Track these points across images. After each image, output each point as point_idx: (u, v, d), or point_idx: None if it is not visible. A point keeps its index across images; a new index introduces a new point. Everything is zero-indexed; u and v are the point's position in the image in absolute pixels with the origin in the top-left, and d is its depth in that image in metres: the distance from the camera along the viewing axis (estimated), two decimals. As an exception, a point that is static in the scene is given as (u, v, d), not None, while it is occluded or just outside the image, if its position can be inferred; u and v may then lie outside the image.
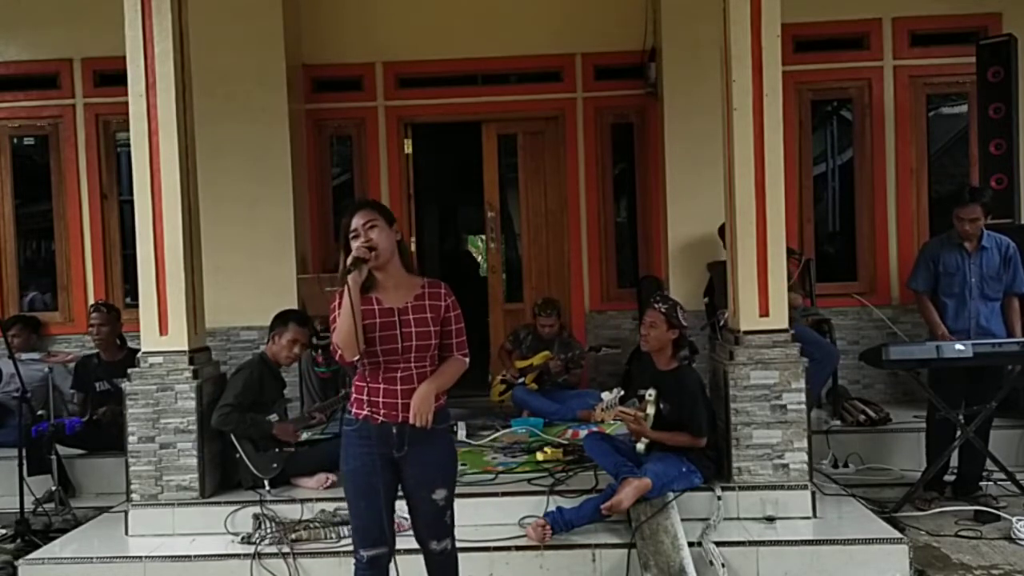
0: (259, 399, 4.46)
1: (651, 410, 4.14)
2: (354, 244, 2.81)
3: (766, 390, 4.17)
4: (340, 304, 2.74)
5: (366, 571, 2.88)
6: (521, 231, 7.31)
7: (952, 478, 4.78)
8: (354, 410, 2.86)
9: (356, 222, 2.83)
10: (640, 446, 4.18)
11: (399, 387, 2.81)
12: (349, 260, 2.76)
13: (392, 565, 2.90)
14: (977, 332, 4.70)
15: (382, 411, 2.80)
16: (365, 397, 2.82)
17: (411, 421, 2.76)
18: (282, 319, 4.64)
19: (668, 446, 4.12)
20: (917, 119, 6.53)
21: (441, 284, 2.94)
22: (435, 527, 2.93)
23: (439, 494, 2.89)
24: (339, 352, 2.77)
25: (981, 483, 4.72)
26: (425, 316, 2.84)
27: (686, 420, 4.11)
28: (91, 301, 6.52)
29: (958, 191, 4.99)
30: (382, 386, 2.81)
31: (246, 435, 4.37)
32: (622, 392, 4.27)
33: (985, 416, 4.55)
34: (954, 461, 4.72)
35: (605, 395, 4.27)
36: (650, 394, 4.16)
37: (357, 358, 2.76)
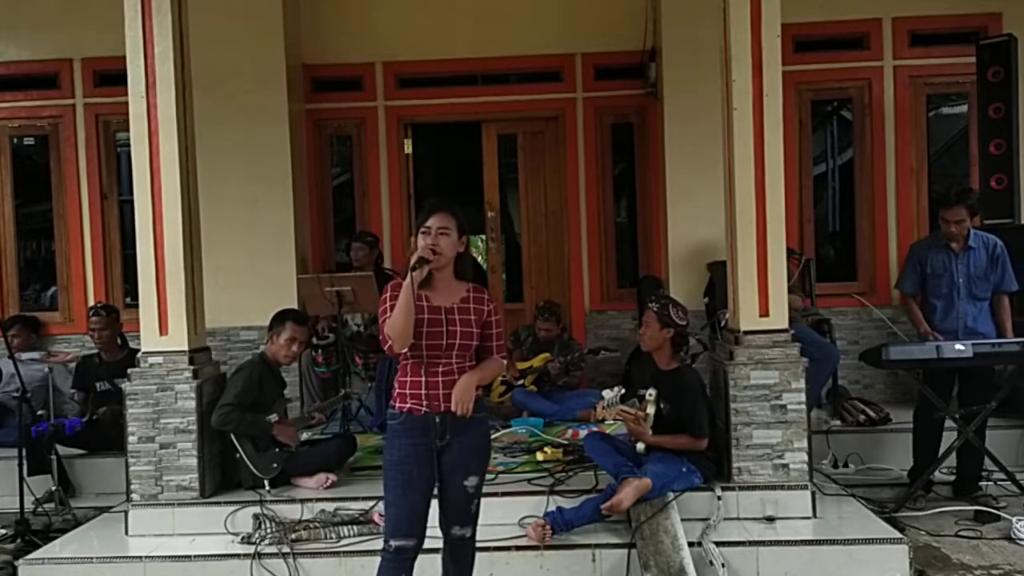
0: (259, 399, 4.46)
1: (651, 410, 4.14)
2: (421, 240, 2.95)
3: (766, 390, 4.17)
4: (393, 297, 2.89)
5: (392, 561, 2.96)
6: (521, 231, 7.32)
7: (948, 478, 4.79)
8: (397, 404, 2.99)
9: (432, 223, 2.96)
10: (640, 446, 4.18)
11: (440, 379, 2.95)
12: (413, 259, 2.90)
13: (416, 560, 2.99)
14: (965, 333, 4.69)
15: (425, 403, 2.93)
16: (408, 391, 2.97)
17: (453, 408, 2.91)
18: (280, 318, 4.64)
19: (668, 447, 4.12)
20: (917, 119, 6.54)
21: (484, 291, 3.11)
22: (462, 514, 3.05)
23: (471, 480, 3.03)
24: (389, 343, 2.88)
25: (981, 483, 4.72)
26: (469, 318, 3.00)
27: (686, 420, 4.11)
28: (91, 301, 6.54)
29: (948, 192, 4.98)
30: (425, 379, 2.94)
31: (246, 434, 4.37)
32: (623, 391, 4.27)
33: (984, 416, 4.56)
34: (951, 461, 4.72)
35: (606, 393, 4.27)
36: (650, 394, 4.16)
37: (405, 351, 2.89)
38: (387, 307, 2.92)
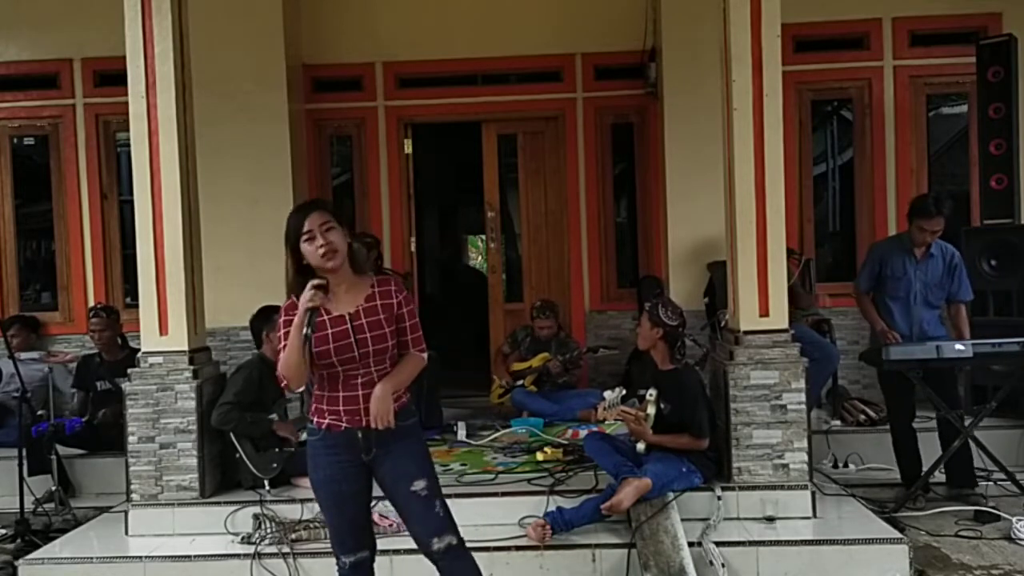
0: (259, 397, 4.46)
1: (651, 410, 4.14)
2: (306, 247, 2.70)
3: (766, 390, 4.17)
4: (287, 323, 2.68)
5: (350, 575, 2.87)
6: (521, 231, 7.31)
7: (940, 478, 4.79)
8: (315, 420, 2.77)
9: (311, 223, 2.70)
10: (640, 446, 4.18)
11: (360, 392, 2.72)
12: (302, 310, 2.60)
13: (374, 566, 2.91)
14: (920, 338, 4.72)
15: (344, 418, 2.72)
16: (325, 407, 2.75)
17: (372, 424, 2.68)
18: (265, 317, 4.62)
19: (669, 447, 4.12)
20: (917, 119, 6.53)
21: (391, 281, 2.85)
22: (426, 521, 2.78)
23: (418, 484, 2.76)
24: (284, 381, 2.68)
25: (977, 483, 4.72)
26: (378, 318, 2.73)
27: (687, 420, 4.11)
28: (91, 301, 6.54)
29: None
30: (342, 394, 2.72)
31: (246, 433, 4.37)
32: (624, 391, 4.27)
33: (984, 416, 4.57)
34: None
35: (607, 394, 4.27)
36: (650, 394, 4.16)
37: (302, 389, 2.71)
38: (281, 335, 2.70)
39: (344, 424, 2.72)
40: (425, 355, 2.87)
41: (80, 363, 5.77)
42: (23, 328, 6.36)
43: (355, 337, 2.69)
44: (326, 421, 2.75)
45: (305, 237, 2.70)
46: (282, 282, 6.13)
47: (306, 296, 2.60)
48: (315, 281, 2.63)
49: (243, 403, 4.37)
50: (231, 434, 4.37)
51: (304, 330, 2.58)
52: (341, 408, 2.71)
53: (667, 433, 4.13)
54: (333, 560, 3.79)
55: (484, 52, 6.68)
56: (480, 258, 11.26)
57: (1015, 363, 4.50)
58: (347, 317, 2.71)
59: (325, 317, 2.69)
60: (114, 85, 5.91)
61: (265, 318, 4.64)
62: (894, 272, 4.80)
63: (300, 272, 2.74)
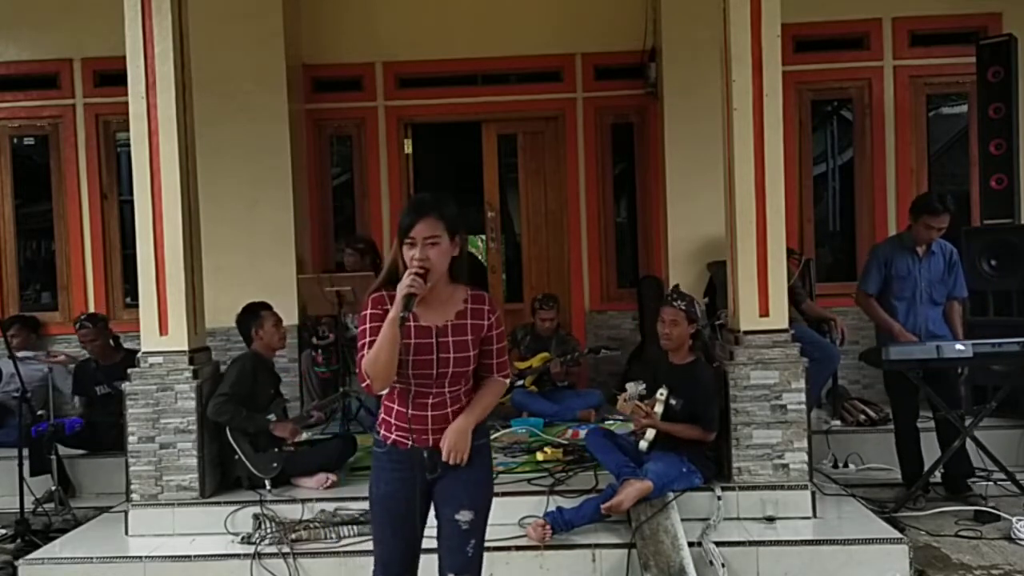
0: (254, 390, 4.46)
1: (659, 408, 4.14)
2: (407, 253, 2.46)
3: (766, 390, 4.17)
4: (374, 318, 2.47)
5: None
6: (521, 231, 7.32)
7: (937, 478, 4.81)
8: (382, 432, 2.62)
9: (417, 233, 2.44)
10: (643, 444, 4.18)
11: (429, 413, 2.55)
12: (400, 295, 2.39)
13: None
14: (927, 336, 4.74)
15: (411, 436, 2.54)
16: (393, 420, 2.58)
17: (444, 458, 2.53)
18: (253, 313, 4.65)
19: (670, 444, 4.12)
20: (917, 119, 6.54)
21: (485, 298, 2.61)
22: (455, 555, 2.60)
23: (463, 515, 2.58)
24: (367, 382, 2.45)
25: (971, 482, 4.73)
26: (465, 338, 2.54)
27: (699, 413, 4.12)
28: (91, 301, 6.56)
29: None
30: (410, 412, 2.54)
31: (241, 427, 4.36)
32: (644, 387, 4.25)
33: (984, 416, 4.57)
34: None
35: (630, 386, 4.24)
36: (661, 393, 4.16)
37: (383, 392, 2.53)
38: (367, 329, 2.48)
39: (410, 442, 2.55)
40: (508, 380, 2.71)
41: (77, 369, 5.77)
42: (23, 328, 6.36)
43: (438, 355, 2.51)
44: (392, 436, 2.59)
45: (407, 242, 2.47)
46: (281, 282, 6.18)
47: (406, 281, 2.41)
48: (417, 267, 2.42)
49: (238, 395, 4.37)
50: (228, 435, 4.37)
51: (400, 313, 2.37)
52: (408, 425, 2.54)
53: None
54: (333, 560, 3.85)
55: (484, 52, 6.68)
56: (480, 258, 11.24)
57: (1015, 363, 4.50)
58: (434, 330, 2.52)
59: (411, 324, 2.48)
60: (114, 85, 5.91)
61: (252, 314, 4.65)
62: (898, 272, 4.81)
63: (397, 273, 2.50)
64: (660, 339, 4.28)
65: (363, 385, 2.48)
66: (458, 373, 2.55)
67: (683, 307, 4.19)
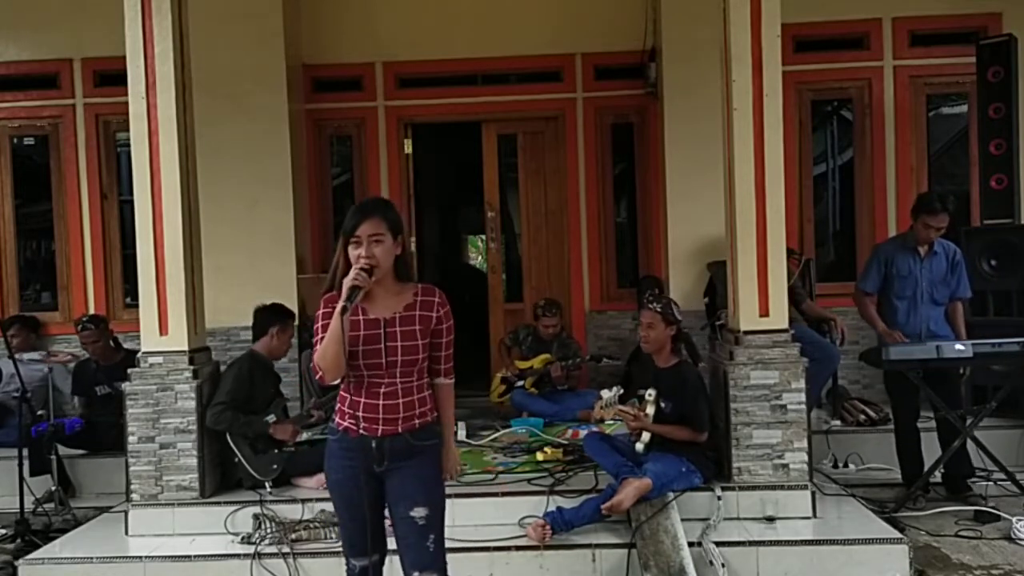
0: (252, 394, 4.47)
1: (651, 410, 4.15)
2: (351, 251, 2.61)
3: (766, 390, 4.17)
4: (326, 315, 2.61)
5: None
6: (521, 231, 7.31)
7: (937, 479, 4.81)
8: (336, 419, 2.74)
9: (362, 232, 2.60)
10: (639, 446, 4.18)
11: (381, 402, 2.65)
12: (346, 288, 2.54)
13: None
14: (928, 336, 4.74)
15: (362, 424, 2.65)
16: (347, 408, 2.71)
17: (444, 478, 2.78)
18: (279, 315, 4.65)
19: (668, 445, 4.12)
20: (917, 119, 6.54)
21: (435, 291, 2.74)
22: (415, 552, 2.67)
23: (418, 512, 2.66)
24: (319, 373, 2.61)
25: (971, 482, 4.73)
26: (413, 328, 2.66)
27: (688, 414, 4.12)
28: (91, 301, 6.56)
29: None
30: (363, 400, 2.66)
31: (241, 434, 4.37)
32: (622, 390, 4.27)
33: (984, 416, 4.57)
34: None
35: (604, 393, 4.27)
36: (650, 394, 4.17)
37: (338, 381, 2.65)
38: (319, 326, 2.63)
39: (360, 430, 2.65)
40: (452, 381, 2.83)
41: (76, 369, 5.76)
42: (23, 328, 6.36)
43: (386, 344, 2.63)
44: (344, 423, 2.70)
45: (353, 241, 2.62)
46: (281, 282, 6.19)
47: (351, 274, 2.56)
48: (364, 263, 2.56)
49: (236, 401, 4.37)
50: (228, 438, 4.37)
51: (344, 303, 2.52)
52: (360, 413, 2.65)
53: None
54: (333, 560, 3.83)
55: (484, 52, 6.68)
56: (480, 258, 11.26)
57: (1015, 363, 4.50)
58: (382, 322, 2.65)
59: (360, 317, 2.63)
60: (114, 85, 5.91)
61: (279, 316, 4.66)
62: (899, 271, 4.82)
63: (346, 272, 2.62)
64: (640, 343, 4.29)
65: (317, 377, 2.63)
66: (407, 362, 2.65)
67: (659, 309, 4.18)
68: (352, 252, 2.62)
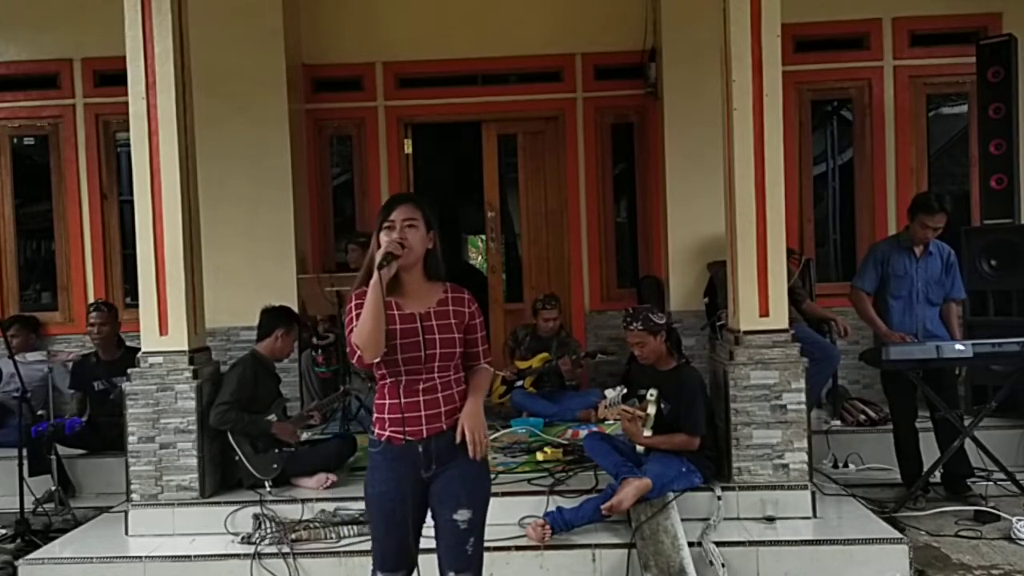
0: (255, 395, 4.47)
1: (652, 410, 4.13)
2: (383, 236, 2.58)
3: (766, 390, 4.17)
4: (359, 306, 2.54)
5: None
6: (521, 231, 7.32)
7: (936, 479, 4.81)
8: (376, 430, 2.65)
9: (396, 216, 2.60)
10: (639, 446, 4.17)
11: (421, 399, 2.60)
12: (379, 254, 2.52)
13: None
14: (925, 336, 4.76)
15: (406, 429, 2.58)
16: (386, 415, 2.62)
17: (470, 450, 2.60)
18: (287, 318, 4.67)
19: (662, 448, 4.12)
20: (917, 119, 6.54)
21: (464, 291, 2.74)
22: (454, 554, 2.64)
23: (462, 515, 2.62)
24: (357, 354, 2.51)
25: (971, 482, 4.73)
26: (449, 323, 2.63)
27: (683, 417, 4.11)
28: (91, 300, 6.53)
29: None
30: (403, 401, 2.58)
31: (244, 433, 4.38)
32: (624, 390, 4.27)
33: (984, 416, 4.58)
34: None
35: (609, 392, 4.26)
36: (651, 394, 4.16)
37: (377, 361, 2.53)
38: (353, 317, 2.55)
39: (404, 437, 2.59)
40: (491, 368, 2.80)
41: (76, 364, 5.76)
42: (23, 328, 6.35)
43: (424, 337, 2.59)
44: (386, 433, 2.62)
45: (386, 226, 2.60)
46: (281, 282, 6.18)
47: (386, 245, 2.54)
48: (387, 248, 2.53)
49: (240, 401, 4.38)
50: (230, 436, 4.37)
51: (379, 261, 2.48)
52: (402, 416, 2.58)
53: (666, 432, 4.13)
54: (333, 560, 3.85)
55: (484, 52, 6.68)
56: (480, 258, 11.26)
57: (1015, 363, 4.50)
58: (417, 316, 2.61)
59: (395, 312, 2.59)
60: (114, 85, 5.90)
61: (283, 318, 4.68)
62: (895, 271, 4.83)
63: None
64: (638, 359, 4.29)
65: (354, 360, 2.55)
66: (445, 356, 2.62)
67: (640, 327, 4.16)
68: (383, 238, 2.58)
